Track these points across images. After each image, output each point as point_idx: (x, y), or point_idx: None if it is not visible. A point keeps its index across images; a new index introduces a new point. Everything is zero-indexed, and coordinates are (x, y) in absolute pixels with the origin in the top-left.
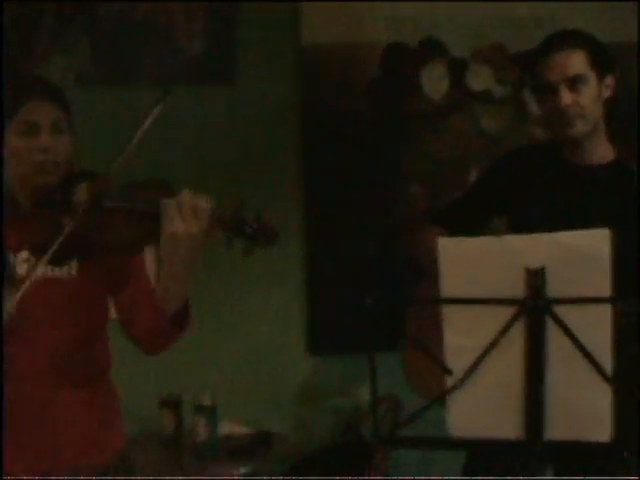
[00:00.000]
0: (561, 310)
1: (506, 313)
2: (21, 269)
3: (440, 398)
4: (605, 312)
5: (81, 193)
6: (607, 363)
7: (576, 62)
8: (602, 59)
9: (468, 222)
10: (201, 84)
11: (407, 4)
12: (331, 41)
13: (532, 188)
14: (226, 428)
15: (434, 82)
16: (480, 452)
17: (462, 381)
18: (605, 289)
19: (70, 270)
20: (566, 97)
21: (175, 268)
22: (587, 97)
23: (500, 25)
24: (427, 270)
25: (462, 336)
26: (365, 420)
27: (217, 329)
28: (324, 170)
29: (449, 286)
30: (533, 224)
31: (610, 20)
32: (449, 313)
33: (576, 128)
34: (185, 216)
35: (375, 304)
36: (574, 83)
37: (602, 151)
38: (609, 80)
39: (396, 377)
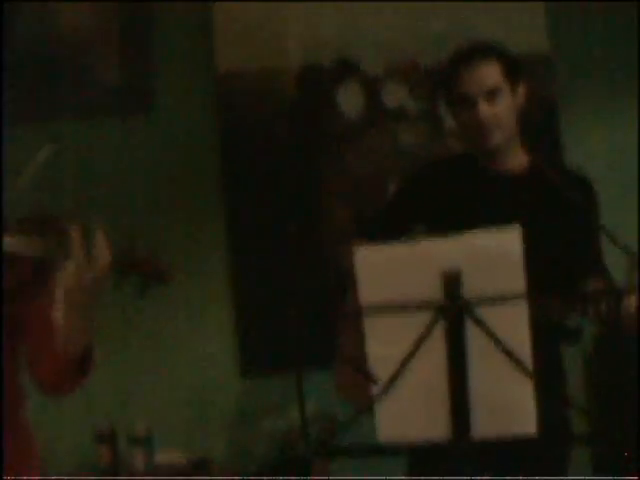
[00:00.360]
0: (479, 310)
1: (426, 318)
2: None
3: (367, 407)
4: (521, 309)
5: None
6: (527, 358)
7: (491, 74)
8: (513, 69)
9: (389, 233)
10: (119, 115)
11: (318, 25)
12: (246, 66)
13: (450, 196)
14: (163, 457)
15: (350, 101)
16: (419, 457)
17: (387, 388)
18: (519, 286)
19: None
20: (484, 110)
21: (72, 314)
22: (503, 108)
23: (413, 41)
24: (353, 283)
25: (385, 344)
26: (300, 438)
27: (147, 357)
28: (245, 194)
29: (368, 294)
30: (453, 230)
31: (522, 32)
32: (370, 323)
33: (494, 139)
34: (77, 262)
35: (298, 316)
36: (491, 95)
37: (517, 157)
38: (520, 88)
39: (331, 394)
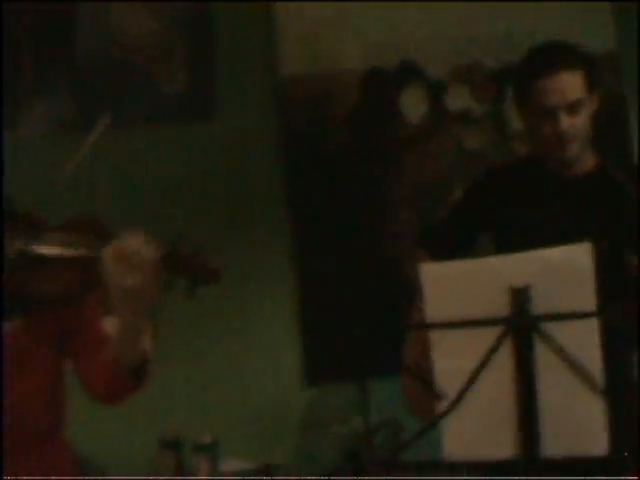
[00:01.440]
0: (548, 327)
1: (493, 333)
2: None
3: (434, 422)
4: (592, 325)
5: (13, 240)
6: (597, 375)
7: (574, 86)
8: (594, 76)
9: (454, 243)
10: (182, 122)
11: (381, 29)
12: (309, 71)
13: (516, 203)
14: (228, 465)
15: (413, 105)
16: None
17: (454, 404)
18: (590, 302)
19: (15, 326)
20: (565, 122)
21: (126, 320)
22: (583, 118)
23: (476, 43)
24: (419, 294)
25: (451, 359)
26: (365, 447)
27: (213, 365)
28: (309, 202)
29: (435, 310)
30: (520, 239)
31: (587, 33)
32: (437, 337)
33: (572, 150)
34: (128, 267)
35: (363, 334)
36: (573, 107)
37: (586, 160)
38: (596, 94)
39: (397, 401)
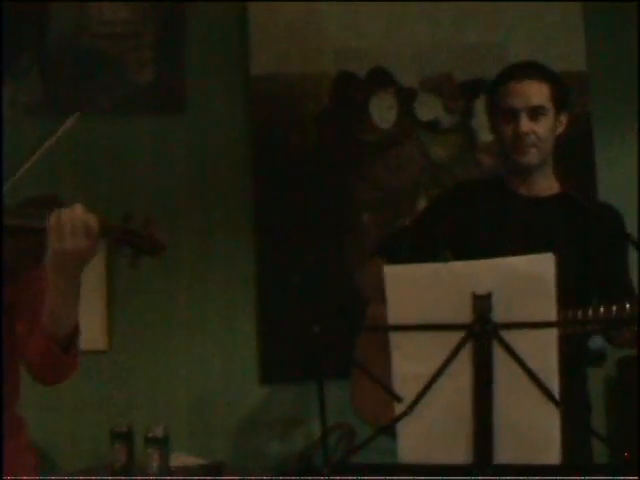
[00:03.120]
0: (508, 334)
1: (454, 339)
2: None
3: (390, 425)
4: (551, 335)
5: None
6: (554, 385)
7: (540, 93)
8: (561, 95)
9: (412, 253)
10: (152, 113)
11: (355, 34)
12: (280, 71)
13: (477, 219)
14: (178, 459)
15: (383, 112)
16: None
17: (411, 407)
18: (551, 313)
19: None
20: (526, 125)
21: (62, 286)
22: (544, 128)
23: (448, 54)
24: (372, 300)
25: (411, 362)
26: (317, 448)
27: (168, 360)
28: (274, 199)
29: (396, 313)
30: (478, 255)
31: (558, 48)
32: (397, 340)
33: (529, 157)
34: (73, 232)
35: (322, 332)
36: (535, 112)
37: (548, 183)
38: (563, 117)
39: (349, 405)
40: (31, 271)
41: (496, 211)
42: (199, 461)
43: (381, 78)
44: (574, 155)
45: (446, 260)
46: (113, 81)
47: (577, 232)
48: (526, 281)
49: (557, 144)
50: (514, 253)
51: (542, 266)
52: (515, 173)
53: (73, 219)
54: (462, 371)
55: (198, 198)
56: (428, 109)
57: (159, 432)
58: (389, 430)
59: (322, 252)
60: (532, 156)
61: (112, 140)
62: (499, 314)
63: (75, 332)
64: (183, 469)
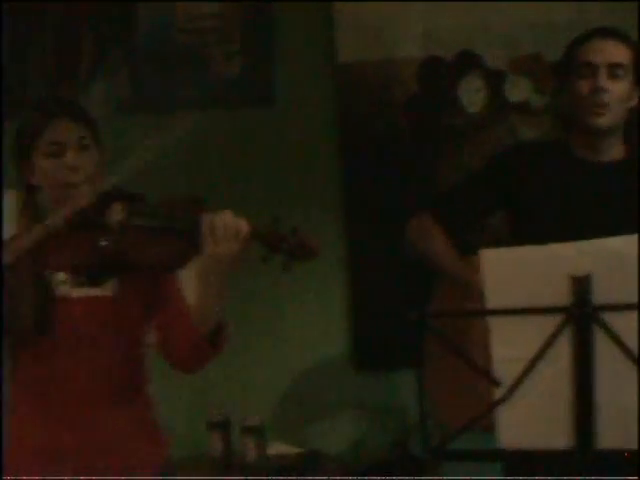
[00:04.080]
0: (608, 317)
1: (553, 322)
2: (59, 290)
3: (490, 410)
4: None
5: (114, 213)
6: None
7: (622, 53)
8: None
9: (468, 216)
10: (239, 107)
11: (441, 17)
12: (367, 58)
13: (538, 182)
14: (275, 448)
15: (471, 95)
16: (538, 465)
17: (511, 392)
18: None
19: (107, 290)
20: (603, 80)
21: (212, 288)
22: (621, 90)
23: (536, 33)
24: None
25: (509, 347)
26: (413, 436)
27: (263, 349)
28: (364, 188)
29: (494, 297)
30: (538, 219)
31: None
32: (495, 325)
33: (602, 119)
34: (226, 237)
35: (419, 317)
36: (614, 71)
37: (616, 150)
38: (639, 92)
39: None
40: (173, 271)
41: (558, 174)
42: (296, 450)
43: (469, 61)
44: None
45: (500, 228)
46: (201, 76)
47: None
48: (625, 262)
49: (631, 116)
50: (577, 221)
51: None
52: (583, 135)
53: (226, 224)
54: (561, 355)
55: (289, 190)
56: (518, 90)
57: (255, 421)
58: (484, 420)
59: None
60: (605, 119)
61: (202, 135)
62: (598, 296)
63: (221, 327)
64: (280, 457)
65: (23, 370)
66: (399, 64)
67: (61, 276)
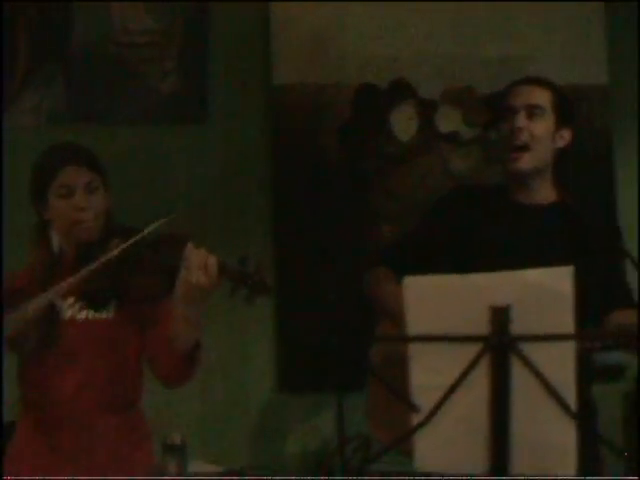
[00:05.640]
0: (525, 347)
1: (472, 350)
2: (66, 313)
3: (407, 435)
4: (568, 349)
5: (114, 247)
6: (571, 399)
7: (540, 96)
8: (565, 110)
9: (415, 261)
10: (174, 123)
11: (377, 45)
12: (302, 81)
13: (476, 225)
14: (196, 467)
15: (403, 123)
16: None
17: (429, 418)
18: (569, 326)
19: (108, 313)
20: (522, 121)
21: (187, 313)
22: (540, 130)
23: (469, 67)
24: (381, 309)
25: (428, 374)
26: (333, 457)
27: None
28: (294, 209)
29: (415, 324)
30: (477, 261)
31: (580, 61)
32: (415, 351)
33: (521, 162)
34: (198, 268)
35: (340, 343)
36: (532, 111)
37: (546, 192)
38: (566, 133)
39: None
40: (163, 299)
41: (494, 217)
42: (217, 469)
43: (402, 90)
44: (593, 171)
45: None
46: (137, 90)
47: (573, 242)
48: (544, 294)
49: (559, 158)
50: (512, 262)
51: (560, 279)
52: (512, 178)
53: (198, 257)
54: (479, 383)
55: (219, 207)
56: (449, 121)
57: (177, 440)
58: (405, 444)
59: (341, 262)
60: (523, 162)
61: (135, 149)
62: (517, 326)
63: (196, 348)
64: (200, 476)
65: (28, 386)
66: (334, 89)
67: (70, 301)
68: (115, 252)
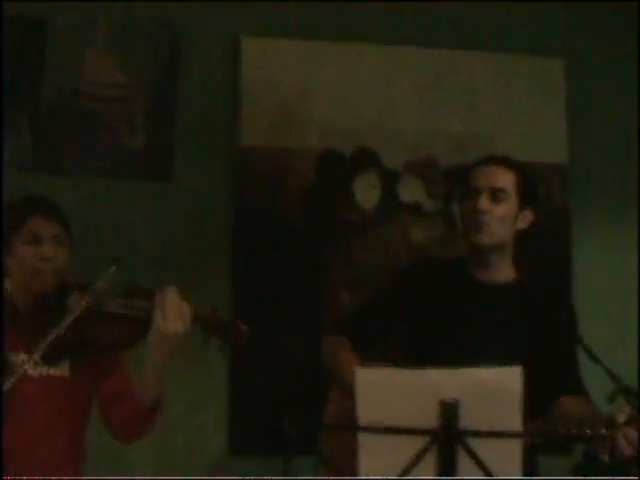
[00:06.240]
0: (473, 442)
1: (420, 442)
2: (19, 369)
3: None
4: (515, 445)
5: (74, 299)
6: None
7: (504, 179)
8: (528, 192)
9: (369, 330)
10: (139, 178)
11: (343, 112)
12: (269, 145)
13: (434, 299)
14: None
15: (366, 191)
16: None
17: None
18: (516, 423)
19: (63, 370)
20: (484, 202)
21: (158, 364)
22: (502, 212)
23: (433, 139)
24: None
25: (377, 462)
26: None
27: None
28: (254, 271)
29: (365, 413)
30: (434, 335)
31: (541, 140)
32: (365, 439)
33: (483, 236)
34: (174, 315)
35: (292, 426)
36: (495, 194)
37: (505, 271)
38: (528, 214)
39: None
40: (124, 351)
41: (452, 293)
42: None
43: (366, 158)
44: (551, 249)
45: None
46: (103, 144)
47: (529, 323)
48: (493, 391)
49: (520, 239)
50: (468, 342)
51: (509, 378)
52: (473, 255)
53: (174, 303)
54: (427, 474)
55: (178, 265)
56: (411, 192)
57: None
58: None
59: (298, 327)
60: (485, 236)
61: (99, 202)
62: (465, 421)
63: (160, 401)
64: None
65: None
66: (299, 154)
67: (22, 356)
68: (83, 305)
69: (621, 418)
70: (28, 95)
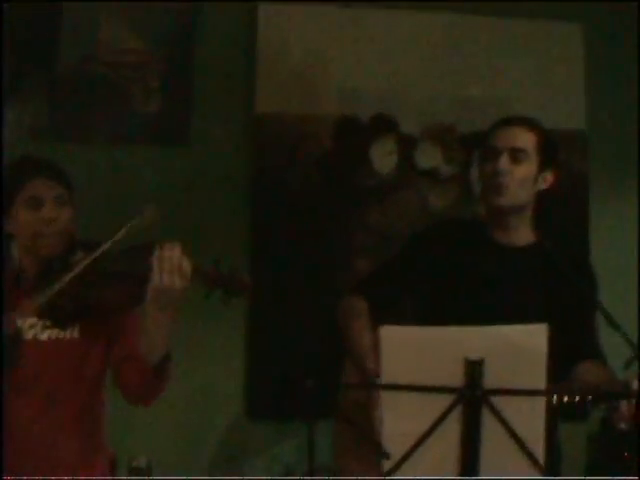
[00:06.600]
0: (497, 400)
1: (445, 400)
2: (28, 333)
3: None
4: (539, 404)
5: (79, 260)
6: (539, 451)
7: (524, 139)
8: (549, 152)
9: (388, 292)
10: (155, 144)
11: (360, 79)
12: (284, 111)
13: (453, 261)
14: None
15: (383, 157)
16: None
17: (399, 466)
18: (540, 382)
19: (73, 332)
20: (504, 163)
21: (159, 320)
22: (523, 173)
23: (451, 105)
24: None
25: (401, 421)
26: None
27: None
28: (272, 236)
29: (390, 372)
30: (452, 296)
31: (559, 106)
32: (389, 399)
33: (503, 198)
34: (171, 269)
35: (315, 386)
36: (516, 154)
37: (524, 233)
38: (549, 175)
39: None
40: (129, 311)
41: (471, 255)
42: None
43: (383, 124)
44: (569, 214)
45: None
46: (119, 110)
47: (548, 286)
48: (518, 350)
49: (540, 201)
50: (487, 304)
51: (535, 336)
52: (492, 217)
53: (172, 258)
54: (451, 433)
55: (195, 230)
56: (428, 158)
57: (142, 462)
58: None
59: (316, 295)
60: (504, 198)
61: (116, 168)
62: (490, 380)
63: (167, 359)
64: None
65: None
66: (315, 120)
67: (31, 320)
68: (80, 268)
69: (635, 385)
70: (44, 62)
